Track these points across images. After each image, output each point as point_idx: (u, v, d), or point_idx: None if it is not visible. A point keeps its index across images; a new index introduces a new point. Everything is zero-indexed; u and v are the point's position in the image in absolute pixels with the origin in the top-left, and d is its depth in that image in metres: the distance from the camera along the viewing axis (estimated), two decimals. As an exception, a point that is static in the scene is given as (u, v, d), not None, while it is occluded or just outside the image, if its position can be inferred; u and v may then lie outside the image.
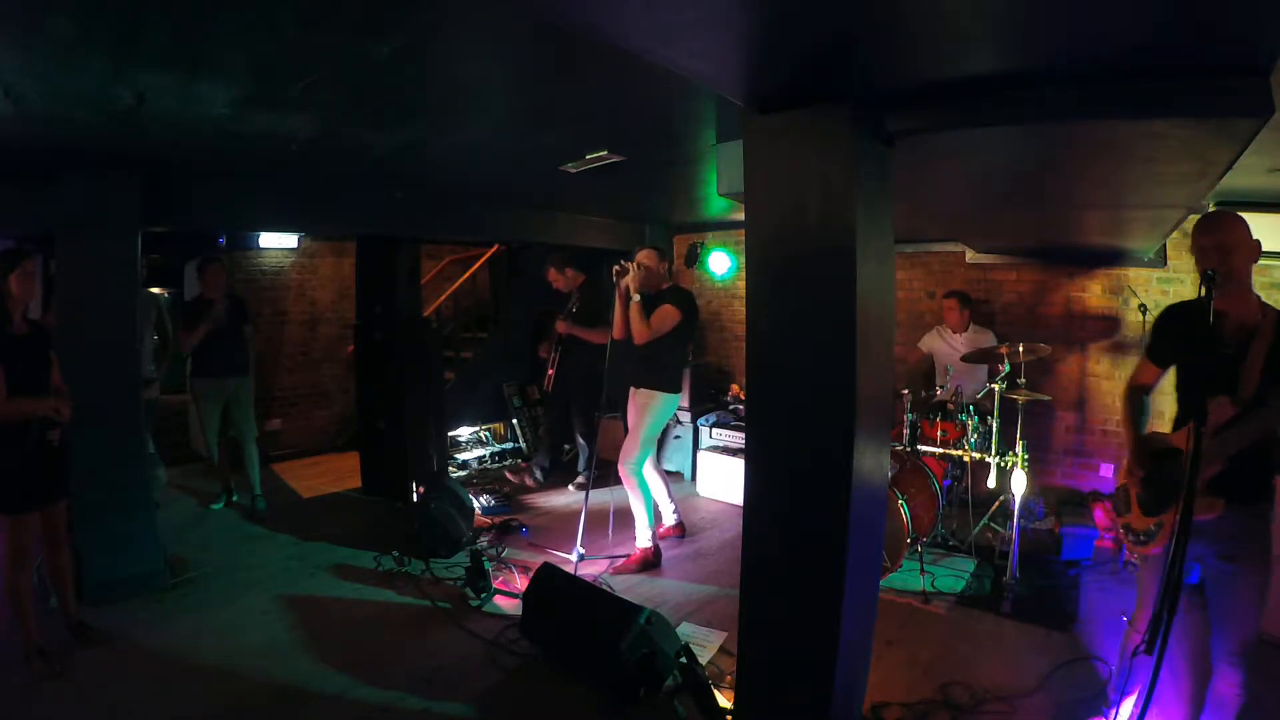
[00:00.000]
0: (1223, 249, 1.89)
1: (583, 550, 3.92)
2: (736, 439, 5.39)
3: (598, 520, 4.49)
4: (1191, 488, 1.60)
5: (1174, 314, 2.24)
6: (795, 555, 2.11)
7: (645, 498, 4.06)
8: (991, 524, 4.32)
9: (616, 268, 4.00)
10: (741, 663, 2.35)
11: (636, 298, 3.94)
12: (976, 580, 3.76)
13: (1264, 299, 2.02)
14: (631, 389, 4.17)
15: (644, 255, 4.08)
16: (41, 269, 3.55)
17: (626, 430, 4.22)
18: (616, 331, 4.10)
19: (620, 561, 4.05)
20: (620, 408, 4.74)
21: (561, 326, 5.33)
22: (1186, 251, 4.43)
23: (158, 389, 4.72)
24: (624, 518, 4.25)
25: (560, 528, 4.27)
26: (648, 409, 4.06)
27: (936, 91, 1.86)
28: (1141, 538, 2.13)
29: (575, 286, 5.48)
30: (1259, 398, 1.87)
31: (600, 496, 5.26)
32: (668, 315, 3.95)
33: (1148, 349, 2.29)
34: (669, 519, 4.49)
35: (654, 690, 2.69)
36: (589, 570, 3.89)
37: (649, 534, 4.07)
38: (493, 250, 7.59)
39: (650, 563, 4.03)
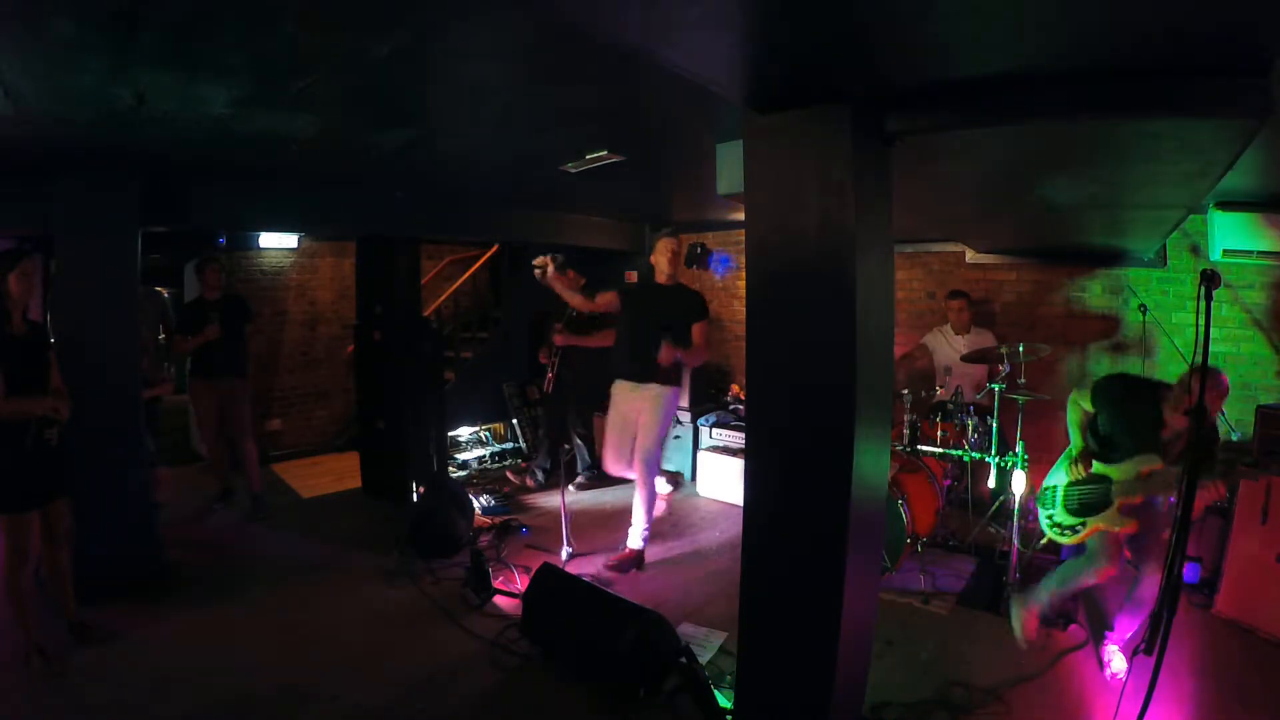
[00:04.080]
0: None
1: (571, 549, 3.92)
2: (736, 439, 5.39)
3: (595, 520, 4.50)
4: (1192, 486, 1.60)
5: None
6: (795, 555, 2.11)
7: (648, 497, 4.00)
8: (991, 524, 4.32)
9: (537, 267, 4.17)
10: (741, 663, 2.35)
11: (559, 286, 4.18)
12: (976, 580, 3.76)
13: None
14: (628, 384, 4.04)
15: (663, 246, 4.08)
16: (41, 269, 3.55)
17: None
18: (580, 307, 4.33)
19: (610, 558, 4.00)
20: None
21: (559, 339, 5.33)
22: (1186, 251, 4.45)
23: (172, 387, 4.73)
24: (596, 519, 4.24)
25: (560, 528, 4.27)
26: (658, 405, 3.96)
27: (936, 92, 1.86)
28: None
29: (577, 290, 5.47)
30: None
31: (600, 496, 5.28)
32: (705, 330, 3.97)
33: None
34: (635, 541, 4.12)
35: (654, 690, 2.69)
36: (578, 570, 3.89)
37: (642, 535, 4.01)
38: (493, 250, 7.59)
39: (636, 563, 3.98)
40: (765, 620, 2.22)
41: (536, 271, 4.19)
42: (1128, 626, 2.87)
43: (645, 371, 3.93)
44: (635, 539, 4.01)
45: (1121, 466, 2.83)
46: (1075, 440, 3.03)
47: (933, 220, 4.34)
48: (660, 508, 4.41)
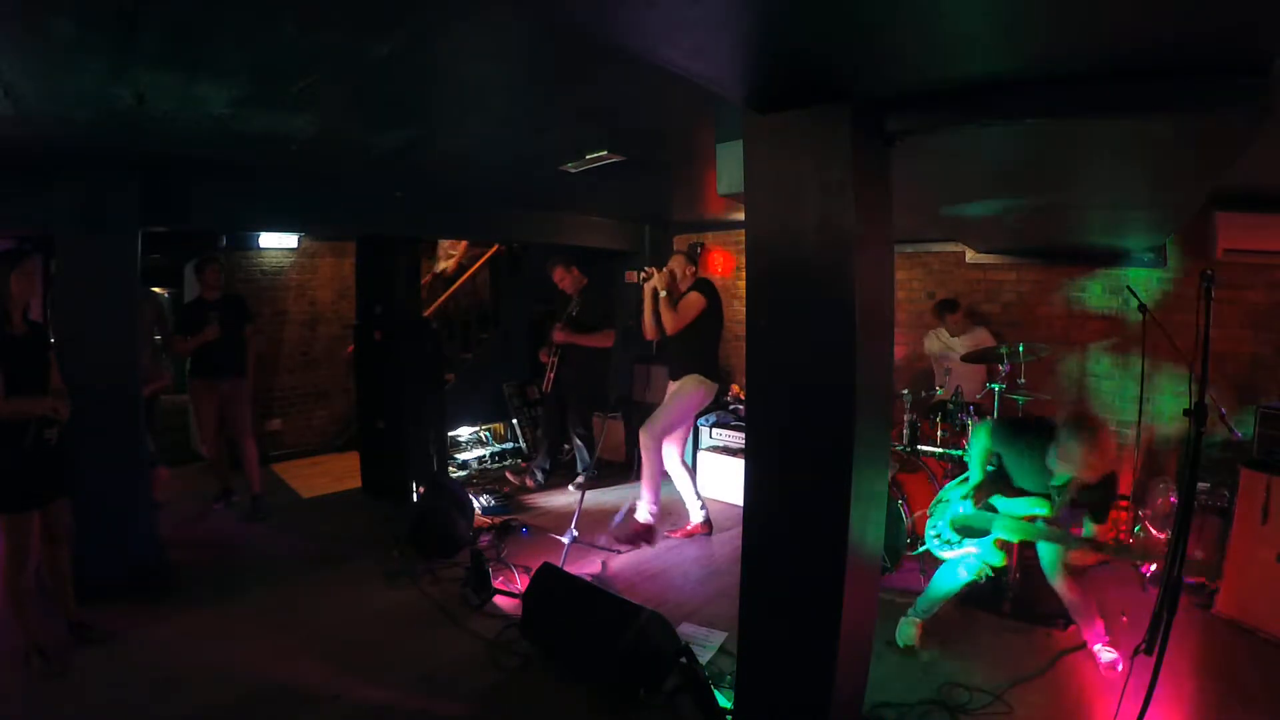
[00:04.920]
0: None
1: (575, 533, 3.96)
2: (736, 439, 5.39)
3: (595, 520, 4.49)
4: (1192, 486, 1.60)
5: None
6: (795, 555, 2.11)
7: (654, 470, 4.20)
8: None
9: (643, 274, 4.28)
10: (741, 663, 2.35)
11: (664, 293, 4.18)
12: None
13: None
14: (672, 384, 4.38)
15: (674, 261, 4.39)
16: (41, 269, 3.56)
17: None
18: (648, 332, 4.38)
19: (615, 530, 4.18)
20: (622, 408, 4.73)
21: (560, 336, 5.32)
22: (1186, 251, 4.45)
23: (169, 381, 4.73)
24: (597, 518, 4.33)
25: (560, 528, 4.27)
26: (681, 392, 4.25)
27: (937, 91, 1.86)
28: None
29: (579, 288, 5.48)
30: None
31: (600, 496, 5.27)
32: (693, 302, 4.20)
33: None
34: (696, 516, 4.52)
35: (654, 690, 2.69)
36: (578, 562, 3.92)
37: (650, 509, 4.18)
38: (493, 250, 7.59)
39: (645, 536, 4.16)
40: (765, 620, 2.22)
41: (641, 276, 4.33)
42: (1089, 627, 2.96)
43: (678, 370, 4.35)
44: (643, 513, 4.18)
45: (1010, 503, 2.94)
46: (975, 470, 3.09)
47: (933, 220, 4.33)
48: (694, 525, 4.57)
